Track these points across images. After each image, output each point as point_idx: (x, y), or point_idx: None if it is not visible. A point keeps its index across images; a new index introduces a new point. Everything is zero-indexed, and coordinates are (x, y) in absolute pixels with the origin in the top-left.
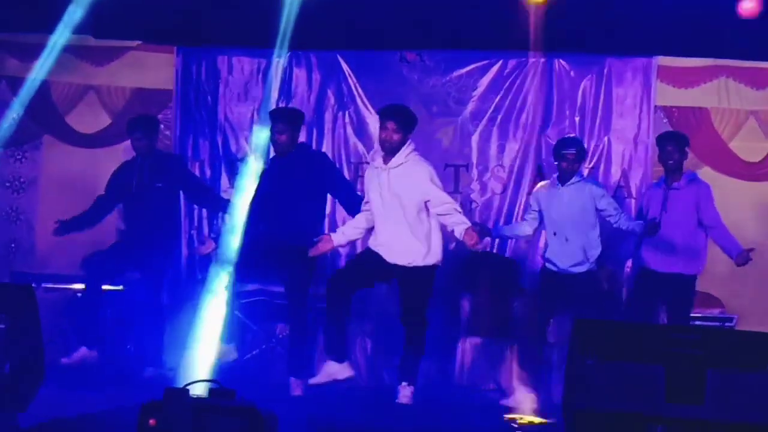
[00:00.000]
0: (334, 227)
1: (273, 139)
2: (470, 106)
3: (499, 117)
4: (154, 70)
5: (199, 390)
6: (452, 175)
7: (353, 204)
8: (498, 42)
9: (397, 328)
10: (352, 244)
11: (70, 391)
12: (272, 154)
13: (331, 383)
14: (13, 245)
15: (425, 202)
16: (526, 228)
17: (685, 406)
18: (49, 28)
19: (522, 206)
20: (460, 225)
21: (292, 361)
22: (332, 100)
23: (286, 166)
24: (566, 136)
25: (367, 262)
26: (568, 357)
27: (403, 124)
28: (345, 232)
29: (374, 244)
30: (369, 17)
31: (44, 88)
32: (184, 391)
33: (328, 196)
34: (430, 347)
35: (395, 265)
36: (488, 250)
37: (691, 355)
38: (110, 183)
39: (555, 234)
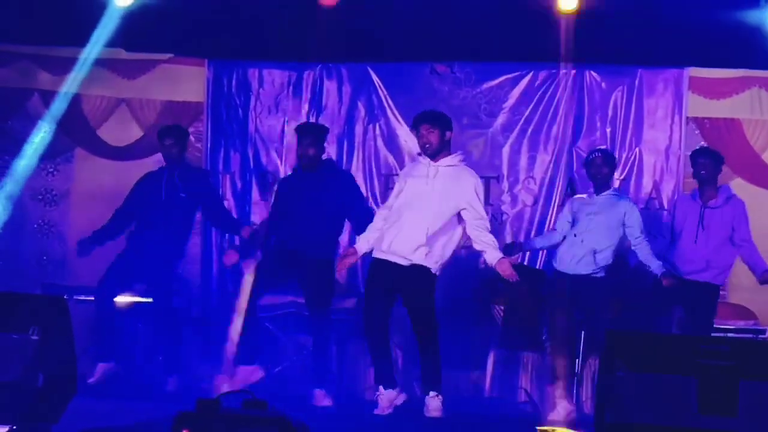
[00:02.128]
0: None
1: (301, 153)
2: (501, 118)
3: (530, 129)
4: (185, 83)
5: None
6: (483, 187)
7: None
8: (529, 53)
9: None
10: None
11: (98, 402)
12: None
13: (391, 410)
14: (45, 257)
15: (460, 211)
16: (556, 237)
17: (717, 418)
18: (81, 41)
19: (553, 218)
20: (492, 251)
21: (317, 372)
22: (363, 113)
23: (312, 181)
24: (596, 149)
25: (381, 280)
26: (599, 369)
27: (435, 123)
28: (368, 239)
29: (384, 247)
30: (399, 29)
31: (76, 101)
32: (216, 402)
33: None
34: (461, 359)
35: (399, 269)
36: (519, 262)
37: (723, 366)
38: (133, 195)
39: (575, 236)
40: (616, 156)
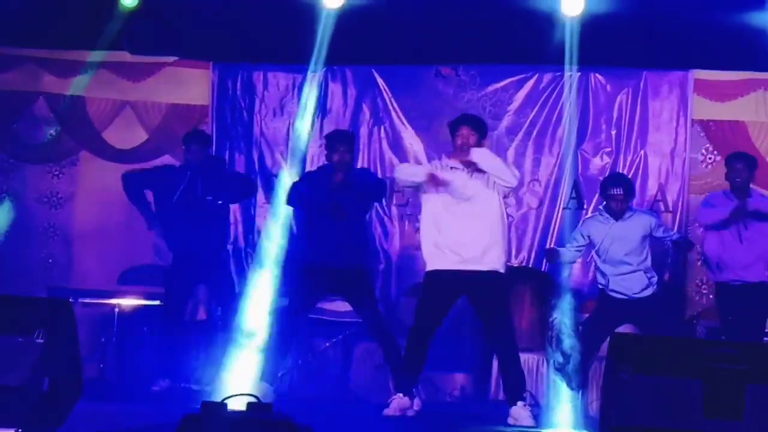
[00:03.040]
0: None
1: (335, 160)
2: (506, 121)
3: (535, 131)
4: (190, 85)
5: (236, 404)
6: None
7: None
8: (533, 56)
9: (442, 342)
10: None
11: (103, 405)
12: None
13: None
14: (50, 260)
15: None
16: (574, 256)
17: (724, 422)
18: (86, 44)
19: (558, 221)
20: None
21: (398, 377)
22: (367, 115)
23: (344, 186)
24: (613, 175)
25: (440, 298)
26: (605, 372)
27: (476, 128)
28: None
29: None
30: (404, 32)
31: (81, 103)
32: (222, 404)
33: None
34: (466, 362)
35: (470, 272)
36: (524, 264)
37: (730, 369)
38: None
39: (617, 264)
40: (621, 158)
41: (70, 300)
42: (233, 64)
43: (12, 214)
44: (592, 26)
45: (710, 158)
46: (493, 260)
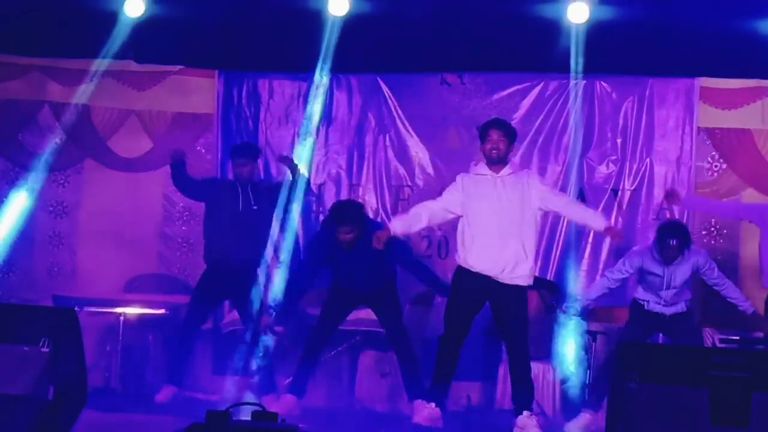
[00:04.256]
0: None
1: (338, 237)
2: None
3: (541, 139)
4: (195, 94)
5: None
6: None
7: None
8: (539, 64)
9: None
10: None
11: (108, 415)
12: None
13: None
14: (55, 269)
15: (540, 204)
16: (610, 285)
17: (730, 430)
18: (92, 53)
19: (564, 229)
20: (599, 218)
21: (411, 386)
22: (373, 123)
23: (357, 255)
24: (670, 224)
25: (472, 299)
26: (611, 380)
27: (507, 133)
28: (403, 223)
29: (475, 260)
30: (409, 40)
31: (86, 112)
32: (227, 414)
33: None
34: (472, 371)
35: (498, 283)
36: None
37: (736, 378)
38: (201, 182)
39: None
40: (627, 166)
41: (75, 309)
42: (239, 73)
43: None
44: (597, 34)
45: (716, 166)
46: (524, 274)
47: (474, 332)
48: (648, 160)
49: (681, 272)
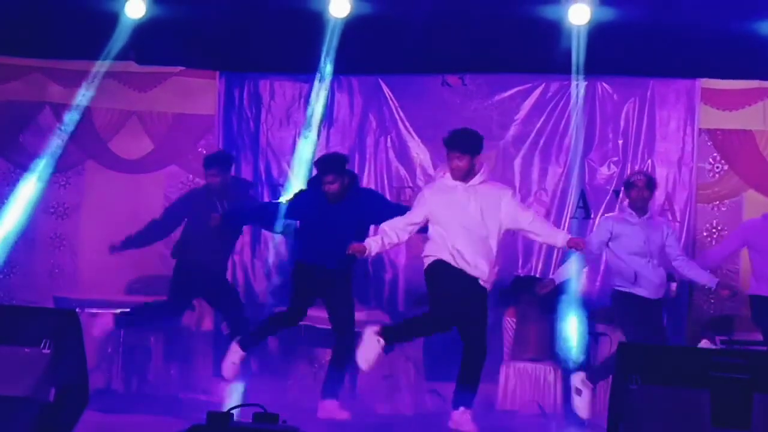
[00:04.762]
0: None
1: (324, 189)
2: (512, 130)
3: (542, 141)
4: (196, 95)
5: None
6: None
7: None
8: (540, 65)
9: (438, 352)
10: None
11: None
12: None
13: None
14: (56, 270)
15: (507, 221)
16: (588, 259)
17: (731, 431)
18: (93, 54)
19: (565, 230)
20: (561, 235)
21: (331, 385)
22: (374, 125)
23: (339, 209)
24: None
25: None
26: (612, 381)
27: (469, 149)
28: (378, 243)
29: (449, 257)
30: (410, 41)
31: (87, 113)
32: (227, 415)
33: None
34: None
35: (474, 279)
36: (532, 274)
37: (737, 379)
38: (178, 211)
39: (652, 261)
40: (628, 168)
41: (77, 310)
42: (240, 74)
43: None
44: (598, 35)
45: (717, 167)
46: (486, 278)
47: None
48: (649, 161)
49: (655, 235)
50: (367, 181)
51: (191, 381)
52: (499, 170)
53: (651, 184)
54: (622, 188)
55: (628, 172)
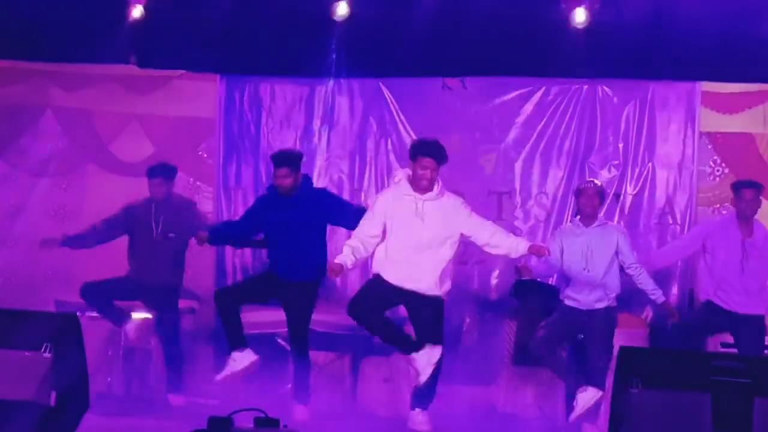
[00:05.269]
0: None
1: (277, 183)
2: (513, 133)
3: (543, 144)
4: (197, 98)
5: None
6: (495, 202)
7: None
8: (540, 68)
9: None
10: None
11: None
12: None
13: None
14: (57, 274)
15: (464, 235)
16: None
17: None
18: (94, 58)
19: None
20: (521, 243)
21: (299, 390)
22: (375, 128)
23: (291, 205)
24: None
25: (385, 298)
26: (613, 385)
27: (439, 159)
28: (347, 257)
29: (391, 274)
30: (411, 44)
31: (88, 117)
32: (228, 420)
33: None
34: (475, 376)
35: (410, 292)
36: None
37: (738, 383)
38: (119, 221)
39: (588, 271)
40: (628, 171)
41: (78, 314)
42: (240, 77)
43: None
44: (599, 38)
45: (718, 171)
46: (434, 287)
47: (475, 337)
48: (650, 164)
49: (603, 243)
50: (367, 184)
51: (192, 384)
52: (499, 173)
53: (601, 192)
54: (572, 195)
55: (629, 175)
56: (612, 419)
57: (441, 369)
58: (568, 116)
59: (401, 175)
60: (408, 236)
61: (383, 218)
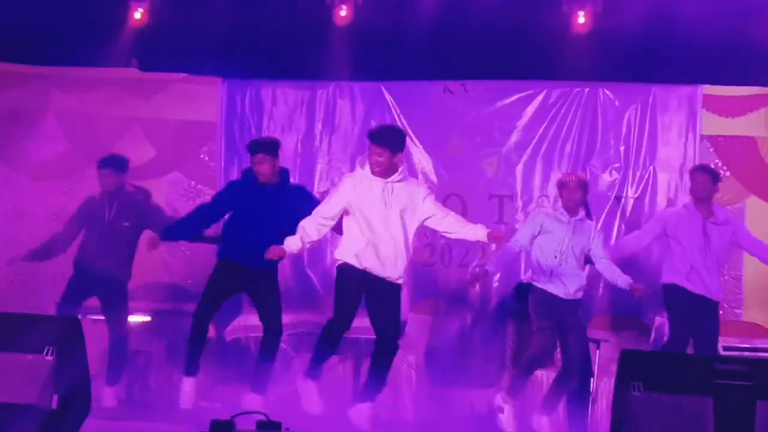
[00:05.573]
0: None
1: (255, 170)
2: (514, 136)
3: (544, 147)
4: (198, 102)
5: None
6: (497, 205)
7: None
8: (542, 71)
9: (440, 358)
10: None
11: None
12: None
13: None
14: (58, 277)
15: (424, 220)
16: (514, 249)
17: None
18: (96, 61)
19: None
20: (479, 230)
21: (258, 380)
22: None
23: (266, 195)
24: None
25: (355, 293)
26: (615, 388)
27: (389, 146)
28: (297, 242)
29: (363, 258)
30: (412, 48)
31: (90, 120)
32: (230, 423)
33: None
34: (475, 378)
35: (382, 279)
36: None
37: (740, 386)
38: (76, 218)
39: (565, 261)
40: (630, 174)
41: (79, 317)
42: (242, 81)
43: None
44: (600, 42)
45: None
46: (398, 273)
47: (476, 340)
48: (651, 167)
49: (581, 238)
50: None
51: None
52: (500, 176)
53: (584, 185)
54: (555, 188)
55: (630, 178)
56: (613, 422)
57: (391, 363)
58: (569, 119)
59: (365, 161)
60: (374, 219)
61: (344, 202)
